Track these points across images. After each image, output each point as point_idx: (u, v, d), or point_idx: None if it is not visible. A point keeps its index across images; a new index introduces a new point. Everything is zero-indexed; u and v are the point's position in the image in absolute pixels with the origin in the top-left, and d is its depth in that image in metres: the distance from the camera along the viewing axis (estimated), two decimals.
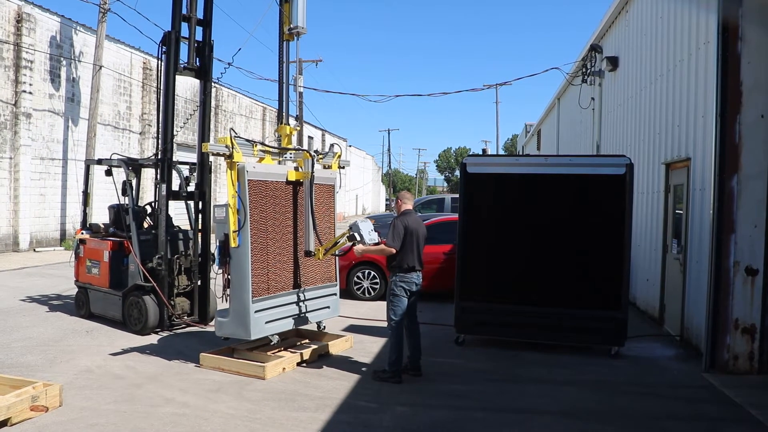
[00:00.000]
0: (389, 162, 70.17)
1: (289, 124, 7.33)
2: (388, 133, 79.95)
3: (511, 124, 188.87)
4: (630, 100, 11.56)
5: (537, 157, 8.77)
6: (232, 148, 6.26)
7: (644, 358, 7.28)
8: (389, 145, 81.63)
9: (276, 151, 7.03)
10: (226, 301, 6.46)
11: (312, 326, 7.40)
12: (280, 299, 6.66)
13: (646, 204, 10.13)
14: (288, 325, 6.72)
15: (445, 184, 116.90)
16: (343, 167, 7.71)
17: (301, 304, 6.95)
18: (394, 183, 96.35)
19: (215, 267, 6.54)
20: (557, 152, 22.30)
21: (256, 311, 6.30)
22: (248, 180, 6.29)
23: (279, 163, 7.19)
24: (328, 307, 7.38)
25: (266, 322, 6.42)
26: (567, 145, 20.91)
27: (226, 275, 6.38)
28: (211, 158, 8.40)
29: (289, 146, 7.22)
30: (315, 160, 6.92)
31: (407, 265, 6.23)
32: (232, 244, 6.23)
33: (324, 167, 7.51)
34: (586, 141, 16.58)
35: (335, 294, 7.49)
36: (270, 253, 6.56)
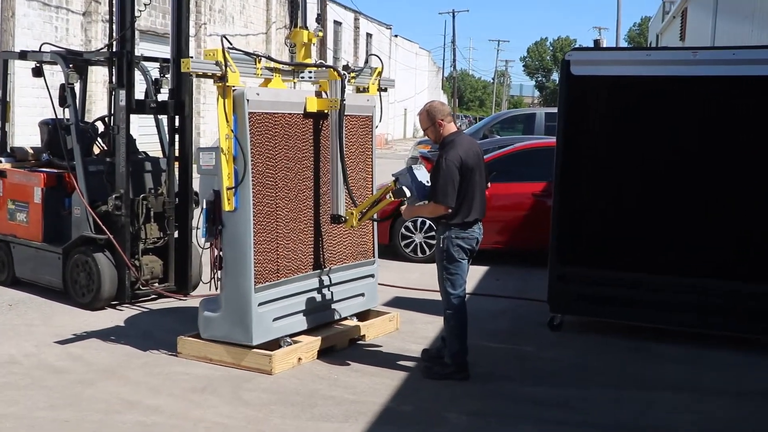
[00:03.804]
0: (454, 60, 69.52)
1: (306, 27, 7.23)
2: (453, 17, 78.25)
3: (639, 3, 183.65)
4: None
5: (680, 51, 8.52)
6: (226, 65, 6.12)
7: None
8: (454, 36, 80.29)
9: (289, 69, 6.98)
10: (216, 287, 6.53)
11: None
12: (295, 285, 6.74)
13: None
14: (305, 323, 6.84)
15: (537, 93, 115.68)
16: (385, 89, 7.68)
17: (324, 291, 7.03)
18: (461, 91, 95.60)
19: (200, 239, 6.63)
20: (712, 44, 21.71)
21: (260, 304, 6.37)
22: (249, 113, 6.23)
23: (293, 86, 7.14)
24: (363, 295, 7.50)
25: (274, 320, 6.53)
26: (728, 32, 20.33)
27: (216, 251, 6.44)
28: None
29: (308, 61, 7.13)
30: (346, 80, 6.82)
31: (468, 219, 6.16)
32: (226, 207, 6.21)
33: (358, 90, 7.46)
34: (761, 26, 15.99)
35: (372, 275, 7.59)
36: (281, 220, 6.58)
